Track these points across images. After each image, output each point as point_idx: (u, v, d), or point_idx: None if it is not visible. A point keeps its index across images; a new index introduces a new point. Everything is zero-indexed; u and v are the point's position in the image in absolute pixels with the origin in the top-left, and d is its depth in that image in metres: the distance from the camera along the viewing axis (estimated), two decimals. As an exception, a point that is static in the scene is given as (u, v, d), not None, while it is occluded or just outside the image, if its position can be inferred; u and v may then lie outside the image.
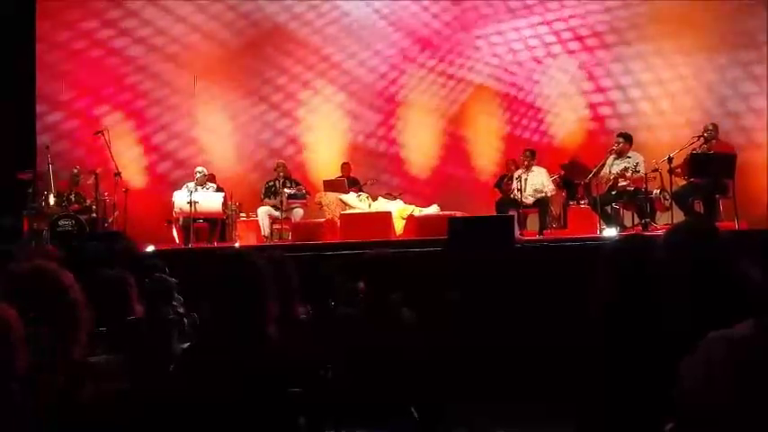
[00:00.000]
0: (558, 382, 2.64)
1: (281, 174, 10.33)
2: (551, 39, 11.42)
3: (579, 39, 11.30)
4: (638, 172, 8.57)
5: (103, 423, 2.47)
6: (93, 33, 12.15)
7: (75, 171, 10.46)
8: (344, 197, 10.27)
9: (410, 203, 10.25)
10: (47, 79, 11.90)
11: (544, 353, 5.01)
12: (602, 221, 8.51)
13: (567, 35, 11.36)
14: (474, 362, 5.77)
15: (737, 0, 10.28)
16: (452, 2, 11.85)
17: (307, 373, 3.27)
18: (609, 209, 8.68)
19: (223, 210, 10.03)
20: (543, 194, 9.38)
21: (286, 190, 10.20)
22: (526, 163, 9.59)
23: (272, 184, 10.44)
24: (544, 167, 9.72)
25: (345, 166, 11.21)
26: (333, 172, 11.21)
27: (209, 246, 9.58)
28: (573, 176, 9.77)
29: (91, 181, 10.03)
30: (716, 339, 1.42)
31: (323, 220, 10.02)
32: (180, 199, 9.69)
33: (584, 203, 9.59)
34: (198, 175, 10.15)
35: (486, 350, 5.91)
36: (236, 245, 9.86)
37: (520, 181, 9.34)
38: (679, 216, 8.28)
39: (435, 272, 6.39)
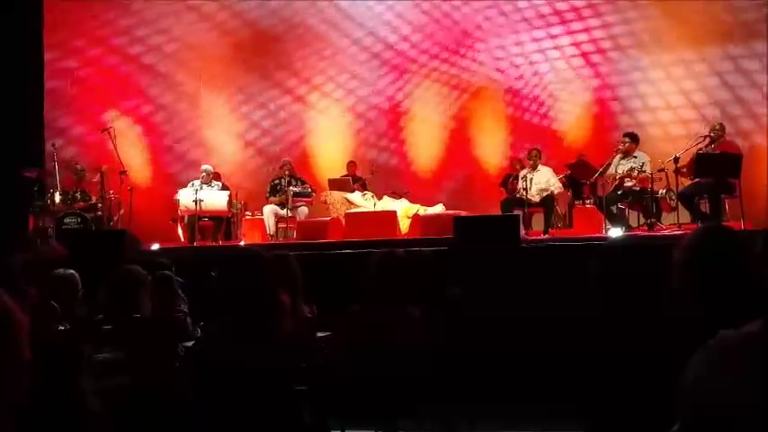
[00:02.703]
0: (562, 382, 2.63)
1: (287, 172, 10.31)
2: (556, 43, 11.39)
3: (590, 41, 11.27)
4: (644, 172, 8.55)
5: (108, 419, 2.47)
6: (102, 33, 12.17)
7: (80, 167, 10.49)
8: (350, 196, 10.27)
9: (415, 202, 10.24)
10: (55, 77, 11.91)
11: (548, 352, 5.00)
12: (607, 221, 8.48)
13: (569, 39, 11.32)
14: (476, 361, 5.76)
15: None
16: (457, 1, 11.82)
17: (312, 370, 3.27)
18: (614, 208, 8.65)
19: (228, 208, 10.02)
20: (549, 192, 9.35)
21: (292, 188, 10.19)
22: (532, 162, 9.56)
23: (277, 182, 10.43)
24: (550, 167, 9.69)
25: (351, 165, 11.20)
26: (338, 170, 11.21)
27: (214, 244, 9.58)
28: (579, 176, 9.74)
29: (96, 179, 10.05)
30: (724, 338, 1.41)
31: (328, 218, 10.01)
32: (185, 197, 9.69)
33: (589, 203, 9.57)
34: (203, 173, 10.15)
35: (490, 349, 5.90)
36: (242, 243, 9.87)
37: (525, 180, 9.31)
38: (685, 216, 8.25)
39: (441, 270, 6.37)
